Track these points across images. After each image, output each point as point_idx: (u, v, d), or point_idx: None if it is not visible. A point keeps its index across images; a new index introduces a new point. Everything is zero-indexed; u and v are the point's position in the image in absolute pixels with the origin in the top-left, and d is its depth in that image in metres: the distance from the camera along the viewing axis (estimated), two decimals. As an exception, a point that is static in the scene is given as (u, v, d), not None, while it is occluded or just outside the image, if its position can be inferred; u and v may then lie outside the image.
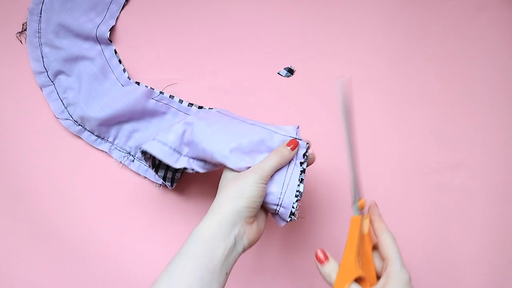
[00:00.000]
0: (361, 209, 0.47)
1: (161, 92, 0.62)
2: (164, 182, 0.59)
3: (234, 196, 0.45)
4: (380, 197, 0.63)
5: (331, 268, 0.44)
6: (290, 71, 0.65)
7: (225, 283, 0.43)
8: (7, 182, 0.62)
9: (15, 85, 0.64)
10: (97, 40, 0.64)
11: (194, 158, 0.52)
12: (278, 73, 0.65)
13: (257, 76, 0.65)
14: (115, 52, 0.64)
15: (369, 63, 0.66)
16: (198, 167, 0.52)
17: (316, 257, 0.45)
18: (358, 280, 0.42)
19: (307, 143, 0.50)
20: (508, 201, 0.63)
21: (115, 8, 0.65)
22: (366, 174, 0.64)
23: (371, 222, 0.47)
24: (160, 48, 0.65)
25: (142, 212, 0.62)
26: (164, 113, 0.62)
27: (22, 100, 0.64)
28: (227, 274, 0.43)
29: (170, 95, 0.62)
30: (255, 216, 0.46)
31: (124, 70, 0.63)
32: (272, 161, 0.47)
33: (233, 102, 0.64)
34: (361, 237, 0.45)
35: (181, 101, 0.62)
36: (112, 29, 0.65)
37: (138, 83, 0.63)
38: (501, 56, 0.66)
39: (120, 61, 0.64)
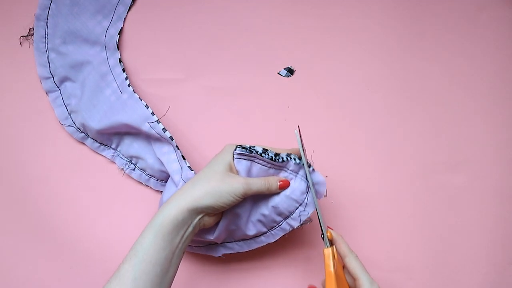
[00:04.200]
0: (330, 240, 0.52)
1: (157, 121, 0.58)
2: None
3: (210, 192, 0.47)
4: (380, 197, 0.63)
5: None
6: (290, 71, 0.65)
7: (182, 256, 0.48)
8: (10, 183, 0.62)
9: (21, 89, 0.64)
10: (105, 45, 0.63)
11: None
12: (278, 73, 0.65)
13: (257, 76, 0.65)
14: (120, 61, 0.63)
15: (369, 63, 0.66)
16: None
17: None
18: None
19: (235, 147, 0.52)
20: (508, 201, 0.63)
21: (122, 9, 0.65)
22: (366, 174, 0.64)
23: (336, 247, 0.52)
24: (160, 48, 0.65)
25: (143, 216, 0.62)
26: (158, 139, 0.60)
27: (28, 104, 0.64)
28: (183, 252, 0.48)
29: (163, 128, 0.58)
30: (213, 214, 0.50)
31: (126, 78, 0.62)
32: (258, 187, 0.50)
33: (233, 102, 0.64)
34: (337, 265, 0.50)
35: (172, 138, 0.58)
36: (120, 32, 0.64)
37: (135, 92, 0.61)
38: (501, 56, 0.66)
39: (123, 70, 0.62)
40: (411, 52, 0.66)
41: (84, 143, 0.63)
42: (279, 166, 0.53)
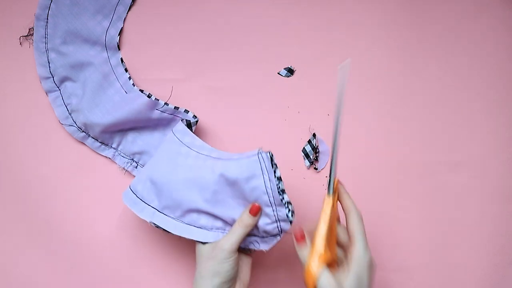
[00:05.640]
0: (335, 189, 0.49)
1: (166, 103, 0.60)
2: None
3: (210, 276, 0.49)
4: (379, 197, 0.63)
5: (306, 252, 0.48)
6: (290, 71, 0.65)
7: None
8: (10, 184, 0.62)
9: (21, 89, 0.64)
10: (105, 46, 0.63)
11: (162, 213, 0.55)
12: (278, 73, 0.65)
13: (257, 76, 0.65)
14: (122, 60, 0.63)
15: (369, 63, 0.66)
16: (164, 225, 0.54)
17: (294, 235, 0.49)
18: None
19: (269, 152, 0.50)
20: (508, 201, 0.63)
21: (122, 9, 0.65)
22: (366, 174, 0.64)
23: (339, 199, 0.50)
24: (160, 48, 0.65)
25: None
26: (169, 122, 0.61)
27: (28, 104, 0.63)
28: None
29: (175, 107, 0.60)
30: (234, 280, 0.51)
31: (129, 78, 0.62)
32: (238, 233, 0.50)
33: (233, 102, 0.65)
34: (333, 217, 0.48)
35: (186, 111, 0.60)
36: (120, 33, 0.64)
37: (142, 91, 0.62)
38: (501, 56, 0.66)
39: (126, 70, 0.63)
40: (411, 52, 0.66)
41: (84, 143, 0.63)
42: (274, 201, 0.50)
